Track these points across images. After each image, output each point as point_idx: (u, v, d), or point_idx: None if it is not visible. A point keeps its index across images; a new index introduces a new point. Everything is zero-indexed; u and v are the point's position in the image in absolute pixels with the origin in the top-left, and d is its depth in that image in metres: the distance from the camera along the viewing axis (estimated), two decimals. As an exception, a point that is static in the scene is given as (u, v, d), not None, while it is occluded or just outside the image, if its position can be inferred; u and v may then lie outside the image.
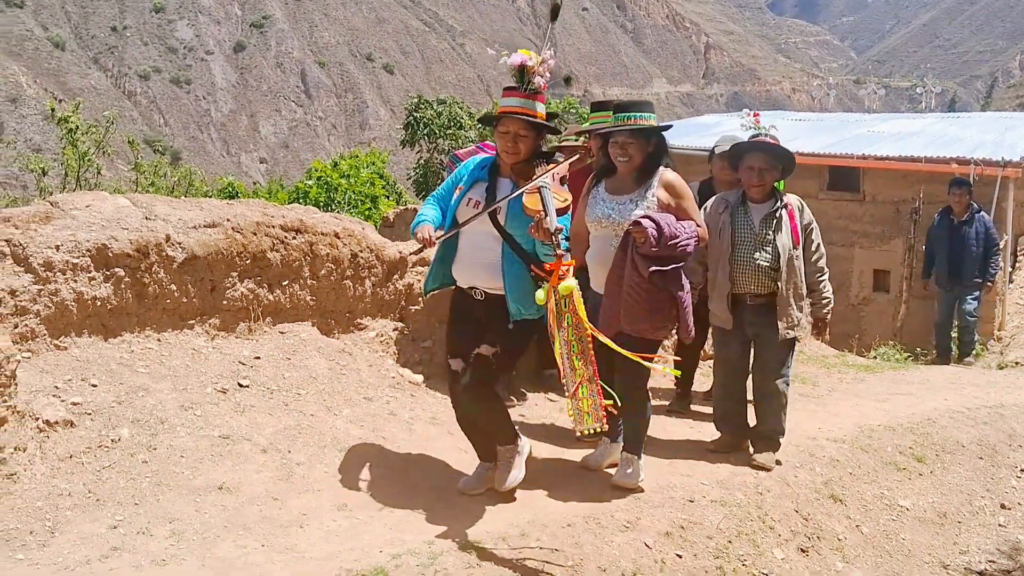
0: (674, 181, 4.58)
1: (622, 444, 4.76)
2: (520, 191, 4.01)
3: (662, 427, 5.71)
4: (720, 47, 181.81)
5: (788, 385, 5.26)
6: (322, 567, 3.56)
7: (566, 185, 4.20)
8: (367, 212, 17.65)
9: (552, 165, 4.12)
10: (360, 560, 3.61)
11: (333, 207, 16.78)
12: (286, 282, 5.66)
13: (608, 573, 3.93)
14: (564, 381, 3.85)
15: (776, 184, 5.26)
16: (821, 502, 5.09)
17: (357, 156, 20.38)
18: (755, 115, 5.57)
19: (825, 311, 5.27)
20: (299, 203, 13.51)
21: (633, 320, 4.38)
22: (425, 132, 11.58)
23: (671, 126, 4.83)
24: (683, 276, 4.46)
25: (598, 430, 3.80)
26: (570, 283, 3.76)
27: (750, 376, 5.39)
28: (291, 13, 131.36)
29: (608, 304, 4.48)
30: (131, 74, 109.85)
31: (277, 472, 4.38)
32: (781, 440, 5.28)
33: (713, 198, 5.37)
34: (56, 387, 4.32)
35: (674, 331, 4.62)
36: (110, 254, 4.76)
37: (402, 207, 14.79)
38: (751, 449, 5.33)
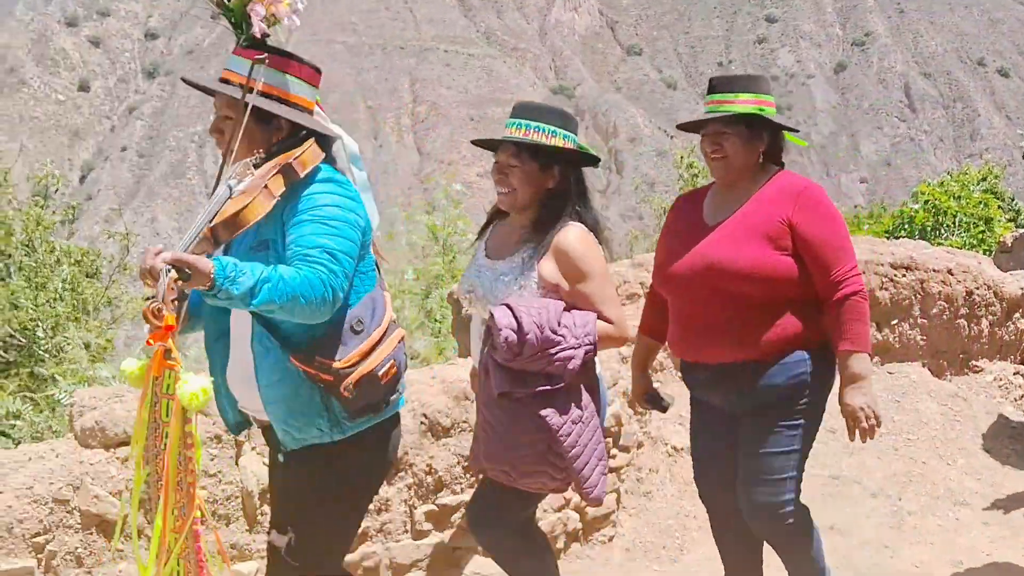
0: (572, 247, 2.60)
1: None
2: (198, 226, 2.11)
3: None
4: None
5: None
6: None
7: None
8: (980, 235, 16.32)
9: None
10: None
11: (942, 231, 15.87)
12: (895, 321, 5.62)
13: None
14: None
15: None
16: None
17: (966, 173, 18.93)
18: None
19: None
20: (904, 228, 13.11)
21: (489, 455, 2.66)
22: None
23: (598, 159, 2.77)
24: (575, 403, 2.59)
25: None
26: (196, 388, 1.98)
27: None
28: (894, 26, 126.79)
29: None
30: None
31: (887, 518, 4.36)
32: None
33: None
34: (680, 415, 4.83)
35: (561, 483, 2.64)
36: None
37: (1021, 229, 13.44)
38: None
